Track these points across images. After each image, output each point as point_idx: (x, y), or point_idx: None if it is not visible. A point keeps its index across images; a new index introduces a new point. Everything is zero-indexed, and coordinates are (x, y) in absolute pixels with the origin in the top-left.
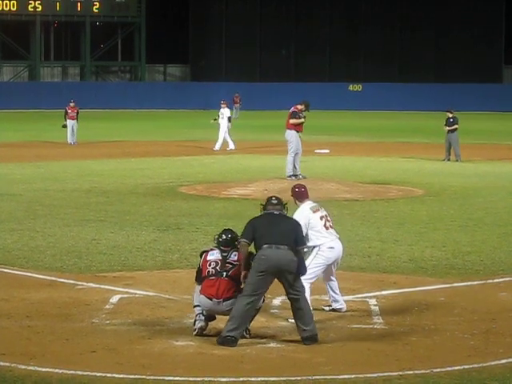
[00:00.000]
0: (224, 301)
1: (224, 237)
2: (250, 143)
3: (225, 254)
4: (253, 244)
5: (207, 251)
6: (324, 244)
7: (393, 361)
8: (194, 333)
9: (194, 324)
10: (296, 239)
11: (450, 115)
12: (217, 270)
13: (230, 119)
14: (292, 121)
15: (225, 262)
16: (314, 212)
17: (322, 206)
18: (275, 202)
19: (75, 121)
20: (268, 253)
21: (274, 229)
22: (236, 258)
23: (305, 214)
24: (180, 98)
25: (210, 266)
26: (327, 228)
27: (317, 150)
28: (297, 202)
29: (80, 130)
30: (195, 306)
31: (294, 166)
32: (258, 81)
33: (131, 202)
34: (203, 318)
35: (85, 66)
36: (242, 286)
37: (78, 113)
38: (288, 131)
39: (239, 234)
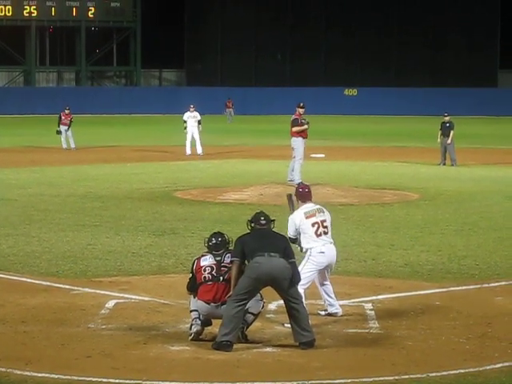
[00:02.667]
0: (222, 304)
1: (214, 240)
2: (245, 148)
3: (218, 258)
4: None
5: (199, 258)
6: (314, 248)
7: (388, 365)
8: (190, 337)
9: (190, 328)
10: (286, 252)
11: (447, 119)
12: (213, 275)
13: (199, 122)
14: (295, 129)
15: (220, 266)
16: (308, 218)
17: (324, 208)
18: (264, 221)
19: (67, 127)
20: (261, 260)
21: (265, 241)
22: (229, 260)
23: (296, 219)
24: (175, 103)
25: (205, 271)
26: (319, 235)
27: (312, 154)
28: (299, 202)
29: (75, 135)
30: (192, 311)
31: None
32: (253, 85)
33: (127, 206)
34: (199, 322)
35: (80, 71)
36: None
37: (71, 120)
38: (294, 138)
39: (229, 237)
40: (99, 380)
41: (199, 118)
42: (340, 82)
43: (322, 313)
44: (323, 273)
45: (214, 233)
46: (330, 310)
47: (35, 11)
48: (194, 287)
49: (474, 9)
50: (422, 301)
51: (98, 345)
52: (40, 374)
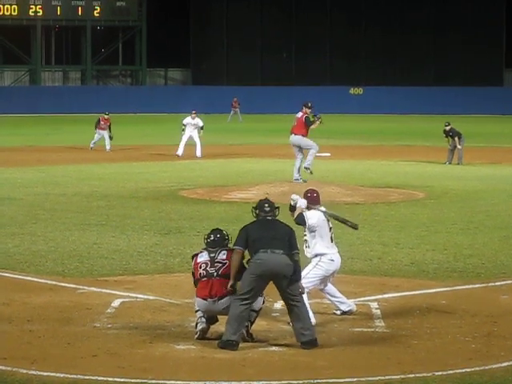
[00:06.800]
0: (219, 299)
1: (212, 237)
2: (250, 147)
3: (212, 255)
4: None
5: (197, 254)
6: (326, 255)
7: (394, 364)
8: (196, 336)
9: (196, 327)
10: (290, 244)
11: (447, 128)
12: (207, 271)
13: (202, 128)
14: (313, 127)
15: (214, 262)
16: (328, 221)
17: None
18: (268, 209)
19: (106, 131)
20: (264, 257)
21: (268, 234)
22: (224, 256)
23: (320, 216)
24: (181, 102)
25: (200, 268)
26: (332, 240)
27: (318, 153)
28: (309, 206)
29: (80, 134)
30: (197, 311)
31: (298, 171)
32: (258, 84)
33: (132, 205)
34: (204, 320)
35: (86, 71)
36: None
37: (110, 125)
38: (300, 137)
39: (229, 234)
40: (105, 379)
41: (201, 124)
42: (345, 81)
43: (338, 312)
44: (325, 280)
45: (213, 229)
46: (344, 308)
47: (41, 11)
48: (195, 283)
49: (479, 7)
50: (427, 300)
51: (103, 344)
52: (45, 373)
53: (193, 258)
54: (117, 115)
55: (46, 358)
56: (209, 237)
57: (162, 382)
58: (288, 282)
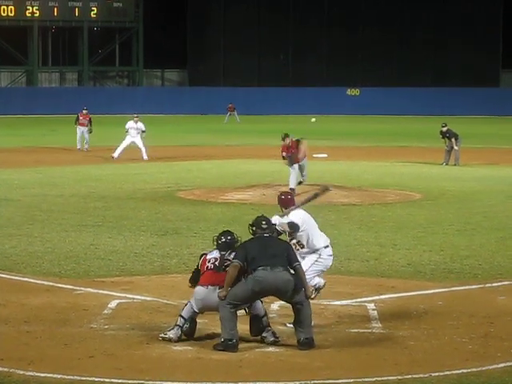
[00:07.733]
0: (220, 287)
1: (223, 239)
2: (247, 148)
3: (223, 253)
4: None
5: (206, 253)
6: (324, 251)
7: (391, 365)
8: (161, 336)
9: (170, 329)
10: (289, 259)
11: (444, 129)
12: (215, 265)
13: (144, 131)
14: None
15: (223, 259)
16: (310, 216)
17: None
18: (265, 226)
19: (86, 128)
20: (264, 275)
21: (268, 251)
22: (233, 256)
23: (304, 215)
24: (178, 103)
25: (209, 262)
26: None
27: (315, 154)
28: (283, 209)
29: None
30: (181, 316)
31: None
32: (256, 85)
33: (129, 206)
34: (180, 332)
35: (82, 71)
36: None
37: (90, 120)
38: (285, 161)
39: (238, 236)
40: (102, 380)
41: (143, 128)
42: (342, 82)
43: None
44: (321, 275)
45: (224, 231)
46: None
47: (37, 11)
48: (195, 279)
49: (476, 8)
50: (424, 301)
51: (100, 345)
52: (42, 374)
53: (201, 257)
54: (113, 116)
55: (43, 359)
56: (220, 239)
57: (159, 383)
58: (291, 294)
